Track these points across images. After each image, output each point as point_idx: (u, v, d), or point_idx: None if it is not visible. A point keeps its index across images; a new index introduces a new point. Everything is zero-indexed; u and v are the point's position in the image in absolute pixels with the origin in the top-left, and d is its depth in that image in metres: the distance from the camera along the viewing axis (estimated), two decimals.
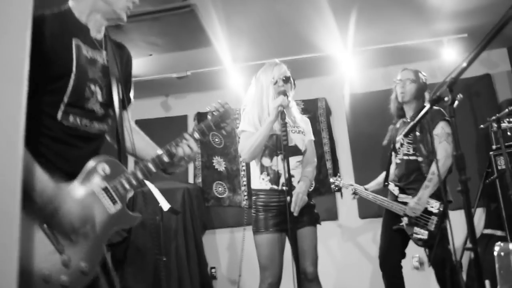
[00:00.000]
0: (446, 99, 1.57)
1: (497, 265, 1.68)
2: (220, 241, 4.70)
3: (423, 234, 2.84)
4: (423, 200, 2.85)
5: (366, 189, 3.32)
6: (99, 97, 1.53)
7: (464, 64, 1.53)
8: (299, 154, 2.56)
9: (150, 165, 1.56)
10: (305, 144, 2.61)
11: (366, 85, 4.53)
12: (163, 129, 4.90)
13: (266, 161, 2.51)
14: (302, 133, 2.60)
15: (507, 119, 3.69)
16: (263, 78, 2.54)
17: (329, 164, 4.60)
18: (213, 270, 4.61)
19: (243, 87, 4.58)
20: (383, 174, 3.31)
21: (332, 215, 4.49)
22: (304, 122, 2.68)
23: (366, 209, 4.32)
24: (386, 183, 3.15)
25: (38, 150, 1.38)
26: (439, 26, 3.80)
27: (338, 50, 4.06)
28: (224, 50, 3.98)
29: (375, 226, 4.12)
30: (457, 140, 1.63)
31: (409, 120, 3.11)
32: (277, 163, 2.47)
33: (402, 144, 3.10)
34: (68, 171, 1.45)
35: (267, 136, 2.42)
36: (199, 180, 4.82)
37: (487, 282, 3.49)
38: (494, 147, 3.73)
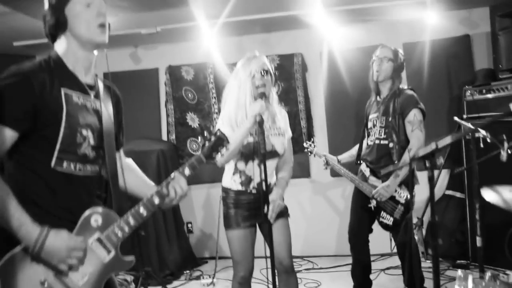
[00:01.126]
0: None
1: None
2: (196, 198, 4.79)
3: (388, 220, 2.98)
4: (391, 188, 2.94)
5: (339, 161, 3.38)
6: (91, 141, 1.57)
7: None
8: (277, 157, 2.54)
9: (142, 209, 1.58)
10: (285, 143, 2.57)
11: (345, 41, 4.39)
12: (133, 83, 4.77)
13: (240, 165, 2.48)
14: (281, 135, 2.55)
15: (479, 89, 3.73)
16: (241, 72, 2.44)
17: (303, 123, 4.61)
18: (189, 225, 4.75)
19: (216, 43, 4.40)
20: (357, 146, 3.35)
21: (305, 173, 4.60)
22: (283, 118, 2.62)
23: None
24: (359, 162, 3.20)
25: (32, 198, 1.46)
26: None
27: (316, 9, 3.86)
28: (198, 7, 3.73)
29: (344, 184, 4.30)
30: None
31: (380, 100, 3.10)
32: (252, 168, 2.45)
33: (374, 125, 3.12)
34: (67, 217, 1.51)
35: (242, 142, 2.37)
36: (173, 136, 4.77)
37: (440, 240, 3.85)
38: (465, 116, 3.79)
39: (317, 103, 4.62)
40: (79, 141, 1.52)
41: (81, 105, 1.55)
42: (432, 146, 1.69)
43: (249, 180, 2.47)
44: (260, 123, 2.24)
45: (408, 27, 4.25)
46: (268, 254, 2.20)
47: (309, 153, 3.51)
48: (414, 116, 2.94)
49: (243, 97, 2.41)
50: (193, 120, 4.76)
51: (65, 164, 1.50)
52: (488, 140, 2.43)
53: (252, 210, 2.47)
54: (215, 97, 4.70)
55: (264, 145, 2.23)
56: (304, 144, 3.57)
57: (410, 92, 3.04)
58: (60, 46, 1.58)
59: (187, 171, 1.66)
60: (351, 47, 4.39)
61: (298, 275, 2.61)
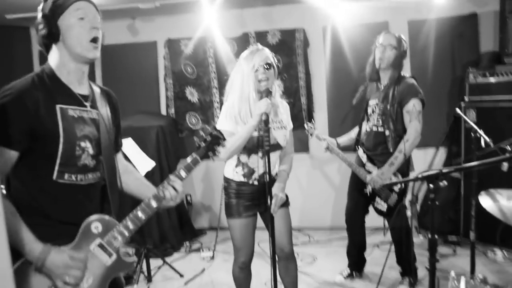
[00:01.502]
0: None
1: None
2: (195, 171, 4.79)
3: (382, 206, 3.04)
4: (386, 175, 2.96)
5: (338, 144, 3.39)
6: (90, 151, 1.60)
7: None
8: (279, 149, 2.57)
9: (140, 213, 1.63)
10: (287, 135, 2.59)
11: (349, 17, 4.27)
12: (132, 56, 4.71)
13: (243, 157, 2.51)
14: (284, 128, 2.57)
15: (483, 72, 3.69)
16: (244, 65, 2.42)
17: (303, 99, 4.57)
18: (188, 197, 4.82)
19: (216, 16, 4.30)
20: (355, 129, 3.38)
21: (304, 147, 4.63)
22: (285, 111, 2.63)
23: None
24: (357, 146, 3.22)
25: (40, 210, 1.53)
26: None
27: None
28: None
29: (341, 152, 4.32)
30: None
31: (382, 88, 3.08)
32: (254, 161, 2.49)
33: (373, 111, 3.11)
34: (73, 224, 1.56)
35: (247, 139, 2.39)
36: (172, 111, 4.76)
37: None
38: (466, 99, 3.77)
39: (318, 79, 4.56)
40: (78, 153, 1.56)
41: (77, 118, 1.58)
42: (437, 169, 1.69)
43: (251, 172, 2.51)
44: (266, 121, 2.27)
45: (414, 3, 4.14)
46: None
47: (310, 135, 3.50)
48: (413, 106, 2.93)
49: (246, 91, 2.41)
50: (192, 94, 4.72)
51: (66, 176, 1.55)
52: (491, 146, 2.43)
53: (254, 200, 2.53)
54: (214, 72, 4.65)
55: (268, 141, 2.27)
56: (305, 126, 3.55)
57: (411, 80, 3.01)
58: (53, 58, 1.59)
59: (183, 174, 1.69)
60: (355, 23, 4.29)
61: (295, 248, 2.69)
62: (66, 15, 1.53)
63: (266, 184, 2.34)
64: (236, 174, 2.53)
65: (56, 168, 1.52)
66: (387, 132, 3.01)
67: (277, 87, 2.56)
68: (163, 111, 4.80)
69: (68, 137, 1.52)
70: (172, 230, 4.37)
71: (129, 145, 3.53)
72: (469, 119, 3.63)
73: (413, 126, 2.92)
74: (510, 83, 3.52)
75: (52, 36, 1.53)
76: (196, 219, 4.88)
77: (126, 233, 1.61)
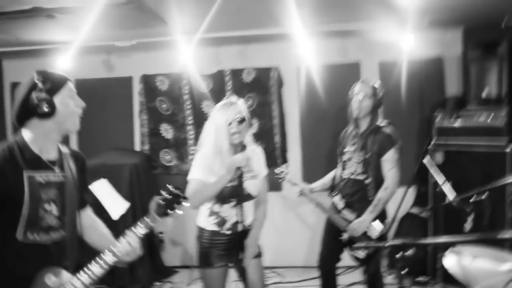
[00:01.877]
0: None
1: None
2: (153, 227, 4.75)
3: (359, 254, 3.06)
4: (365, 223, 3.02)
5: (311, 189, 3.40)
6: (54, 212, 1.72)
7: None
8: (251, 199, 2.61)
9: (96, 269, 1.70)
10: (259, 185, 2.63)
11: (323, 57, 4.38)
12: (106, 91, 4.71)
13: (216, 207, 2.55)
14: (255, 177, 2.61)
15: (449, 116, 3.84)
16: (218, 118, 2.49)
17: (277, 138, 4.63)
18: (160, 235, 4.76)
19: (192, 54, 4.33)
20: (330, 174, 3.42)
21: (277, 186, 4.65)
22: (258, 157, 2.67)
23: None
24: (334, 194, 3.26)
25: (6, 268, 1.65)
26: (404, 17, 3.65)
27: (294, 28, 3.83)
28: (175, 24, 3.64)
29: (315, 198, 4.36)
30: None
31: (358, 134, 3.16)
32: (227, 210, 2.53)
33: (350, 159, 3.17)
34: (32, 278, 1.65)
35: (218, 190, 2.44)
36: (147, 147, 4.74)
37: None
38: (434, 141, 3.90)
39: (293, 118, 4.64)
40: (42, 215, 1.68)
41: (44, 183, 1.70)
42: (406, 240, 1.75)
43: (224, 221, 2.54)
44: (240, 176, 2.40)
45: (384, 46, 4.27)
46: None
47: (281, 180, 3.44)
48: (392, 155, 3.03)
49: (219, 143, 2.47)
50: (167, 131, 4.72)
51: (30, 235, 1.65)
52: (454, 204, 2.52)
53: (227, 250, 2.55)
54: (189, 109, 4.67)
55: (242, 193, 2.43)
56: (275, 171, 3.46)
57: (388, 130, 3.10)
58: (29, 131, 1.71)
59: (141, 231, 1.75)
60: (328, 63, 4.40)
61: None
62: (62, 93, 1.70)
63: (238, 234, 2.45)
64: (208, 223, 2.57)
65: (21, 229, 1.63)
66: (367, 180, 3.07)
67: (249, 138, 2.62)
68: (137, 147, 4.78)
69: (33, 201, 1.64)
70: (143, 268, 4.28)
71: (102, 186, 3.49)
72: (435, 160, 3.78)
73: (392, 174, 3.02)
74: (473, 128, 3.67)
75: (49, 112, 1.66)
76: (168, 257, 4.81)
77: (80, 286, 1.67)
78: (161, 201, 1.76)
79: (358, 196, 3.12)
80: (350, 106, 3.17)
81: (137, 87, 4.71)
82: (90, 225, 1.95)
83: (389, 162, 3.03)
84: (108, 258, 1.71)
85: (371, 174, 3.06)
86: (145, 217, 1.76)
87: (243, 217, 2.48)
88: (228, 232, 2.54)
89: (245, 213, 2.51)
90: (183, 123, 4.69)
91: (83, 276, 1.68)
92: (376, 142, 3.05)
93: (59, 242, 1.74)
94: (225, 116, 2.45)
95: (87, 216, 1.96)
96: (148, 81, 4.68)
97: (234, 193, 2.46)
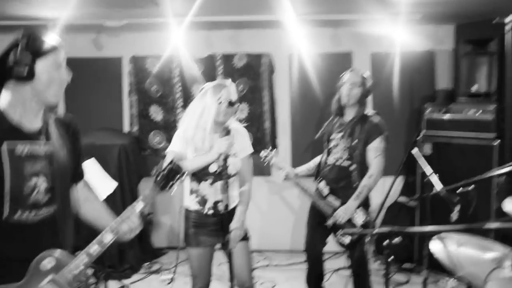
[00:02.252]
0: None
1: None
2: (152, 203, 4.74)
3: (344, 240, 3.12)
4: (350, 210, 3.07)
5: (296, 174, 3.40)
6: (43, 186, 1.59)
7: None
8: (228, 178, 2.56)
9: (95, 247, 1.59)
10: (238, 163, 2.63)
11: (315, 46, 4.38)
12: (95, 71, 4.62)
13: (193, 184, 2.60)
14: (235, 155, 2.62)
15: (438, 109, 3.89)
16: (210, 95, 2.52)
17: (267, 124, 4.63)
18: (149, 216, 4.75)
19: (184, 37, 4.26)
20: (315, 160, 3.43)
21: (265, 171, 4.66)
22: (240, 136, 2.67)
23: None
24: (319, 180, 3.29)
25: None
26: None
27: (286, 15, 3.80)
28: (166, 6, 3.58)
29: (300, 183, 4.38)
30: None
31: (345, 122, 3.20)
32: (205, 188, 2.57)
33: (336, 146, 3.20)
34: (26, 259, 1.53)
35: (197, 169, 2.51)
36: (136, 128, 4.70)
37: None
38: (423, 132, 3.95)
39: (283, 105, 4.64)
40: (27, 191, 1.55)
41: (28, 155, 1.56)
42: (393, 227, 1.77)
43: (204, 200, 2.59)
44: (225, 160, 2.46)
45: (377, 37, 4.28)
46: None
47: (267, 163, 3.44)
48: (378, 143, 3.08)
49: (204, 120, 2.50)
50: (156, 113, 4.68)
51: (17, 214, 1.53)
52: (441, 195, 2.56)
53: (213, 231, 2.59)
54: (180, 91, 4.63)
55: (227, 174, 2.47)
56: (261, 154, 3.44)
57: (376, 119, 3.15)
58: (7, 96, 1.56)
59: (139, 207, 1.67)
60: (320, 52, 4.40)
61: (254, 272, 2.80)
62: (47, 59, 1.54)
63: (222, 216, 2.47)
64: (192, 202, 2.61)
65: (6, 206, 1.51)
66: (352, 167, 3.11)
67: (236, 122, 2.69)
68: (126, 128, 4.74)
69: (15, 175, 1.52)
70: (132, 249, 4.29)
71: (91, 165, 3.46)
72: (424, 152, 3.83)
73: (377, 162, 3.07)
74: (462, 121, 3.72)
75: (27, 76, 1.51)
76: (156, 238, 4.82)
77: (82, 267, 1.57)
78: (159, 175, 1.66)
79: (343, 183, 3.16)
80: (338, 94, 3.20)
81: (126, 67, 4.64)
82: (86, 198, 1.82)
83: (375, 150, 3.07)
84: (108, 236, 1.61)
85: (356, 161, 3.11)
86: (145, 192, 1.68)
87: (223, 196, 2.49)
88: (210, 212, 2.57)
89: (225, 192, 2.49)
90: (173, 106, 4.65)
91: (82, 256, 1.58)
92: (364, 130, 3.09)
93: (51, 219, 1.62)
94: (216, 96, 2.49)
95: (83, 190, 1.83)
96: (138, 62, 4.61)
97: (207, 170, 2.50)
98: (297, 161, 4.37)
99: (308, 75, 4.44)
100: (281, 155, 4.50)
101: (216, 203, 2.55)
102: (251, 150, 2.73)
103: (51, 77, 1.55)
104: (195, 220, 2.60)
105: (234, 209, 2.62)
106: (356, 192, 3.07)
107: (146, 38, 4.55)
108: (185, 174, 1.72)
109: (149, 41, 4.54)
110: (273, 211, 4.77)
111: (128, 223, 1.64)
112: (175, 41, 4.29)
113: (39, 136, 1.61)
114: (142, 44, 4.58)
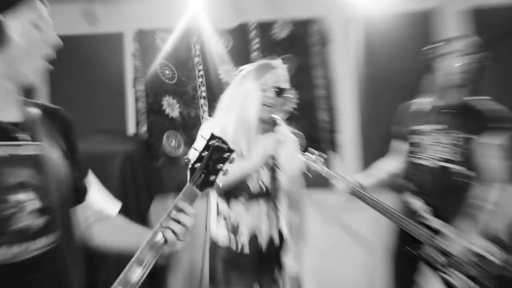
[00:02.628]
0: None
1: None
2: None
3: (457, 279, 2.28)
4: (467, 237, 2.25)
5: (363, 187, 2.48)
6: (33, 205, 1.13)
7: None
8: (267, 197, 2.12)
9: (134, 275, 1.16)
10: (285, 183, 2.15)
11: (384, 4, 3.41)
12: (88, 53, 3.80)
13: (222, 205, 2.09)
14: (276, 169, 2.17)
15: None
16: (251, 80, 2.10)
17: (322, 115, 3.59)
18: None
19: (204, 8, 3.59)
20: (385, 165, 2.66)
21: (318, 185, 3.58)
22: (289, 147, 2.16)
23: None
24: (409, 191, 2.45)
25: None
26: None
27: None
28: None
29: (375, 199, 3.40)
30: None
31: (444, 108, 2.43)
32: (238, 212, 2.05)
33: (434, 141, 2.40)
34: None
35: (237, 182, 2.01)
36: (144, 129, 3.76)
37: None
38: None
39: (344, 88, 3.60)
40: (10, 212, 1.10)
41: (5, 159, 1.13)
42: None
43: (234, 229, 2.08)
44: (274, 167, 2.06)
45: None
46: None
47: (313, 171, 2.49)
48: (500, 139, 2.31)
49: (246, 114, 2.07)
50: (171, 106, 3.74)
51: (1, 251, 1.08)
52: None
53: (249, 271, 2.09)
54: (202, 76, 3.71)
55: (275, 188, 2.04)
56: (303, 157, 2.50)
57: (494, 105, 2.37)
58: None
59: (183, 203, 1.26)
60: (392, 12, 3.41)
61: None
62: (22, 14, 1.12)
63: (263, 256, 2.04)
64: (219, 225, 2.10)
65: None
66: (464, 172, 2.33)
67: (285, 126, 2.17)
68: (131, 130, 3.84)
69: None
70: None
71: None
72: None
73: (500, 165, 2.30)
74: None
75: None
76: (173, 283, 3.78)
77: None
78: (195, 165, 1.28)
79: (450, 195, 2.35)
80: (437, 70, 2.43)
81: (130, 46, 3.77)
82: (98, 218, 1.44)
83: (495, 148, 2.31)
84: (147, 254, 1.19)
85: (468, 164, 2.33)
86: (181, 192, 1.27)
87: (267, 225, 2.05)
88: (246, 251, 2.04)
89: (271, 219, 2.06)
90: (194, 96, 3.71)
91: None
92: (478, 120, 2.34)
93: (51, 256, 1.17)
94: (261, 80, 2.07)
95: (91, 207, 1.44)
96: (146, 39, 3.71)
97: (243, 185, 2.03)
98: (368, 165, 3.43)
99: (378, 46, 3.42)
100: (344, 159, 3.54)
101: (254, 235, 2.06)
102: (302, 165, 2.29)
103: (30, 41, 1.15)
104: (225, 259, 2.11)
105: (281, 245, 2.11)
106: (474, 209, 2.26)
107: (154, 6, 3.68)
108: (233, 153, 1.29)
109: (159, 10, 3.68)
110: (334, 245, 3.65)
111: (175, 227, 1.24)
112: (194, 8, 3.62)
113: (17, 131, 1.19)
114: (149, 15, 3.72)
